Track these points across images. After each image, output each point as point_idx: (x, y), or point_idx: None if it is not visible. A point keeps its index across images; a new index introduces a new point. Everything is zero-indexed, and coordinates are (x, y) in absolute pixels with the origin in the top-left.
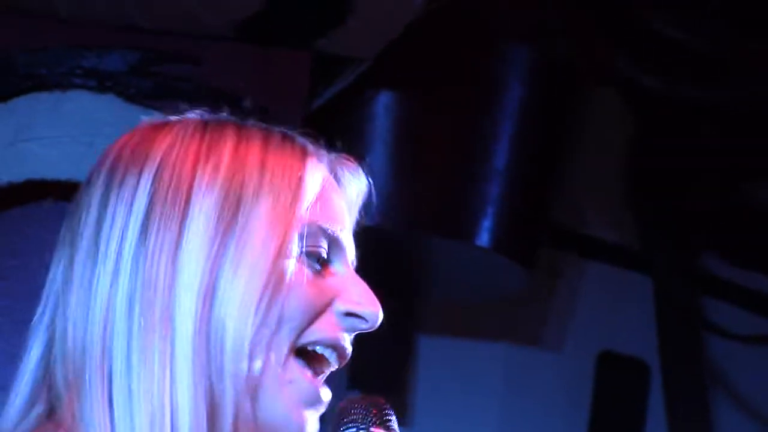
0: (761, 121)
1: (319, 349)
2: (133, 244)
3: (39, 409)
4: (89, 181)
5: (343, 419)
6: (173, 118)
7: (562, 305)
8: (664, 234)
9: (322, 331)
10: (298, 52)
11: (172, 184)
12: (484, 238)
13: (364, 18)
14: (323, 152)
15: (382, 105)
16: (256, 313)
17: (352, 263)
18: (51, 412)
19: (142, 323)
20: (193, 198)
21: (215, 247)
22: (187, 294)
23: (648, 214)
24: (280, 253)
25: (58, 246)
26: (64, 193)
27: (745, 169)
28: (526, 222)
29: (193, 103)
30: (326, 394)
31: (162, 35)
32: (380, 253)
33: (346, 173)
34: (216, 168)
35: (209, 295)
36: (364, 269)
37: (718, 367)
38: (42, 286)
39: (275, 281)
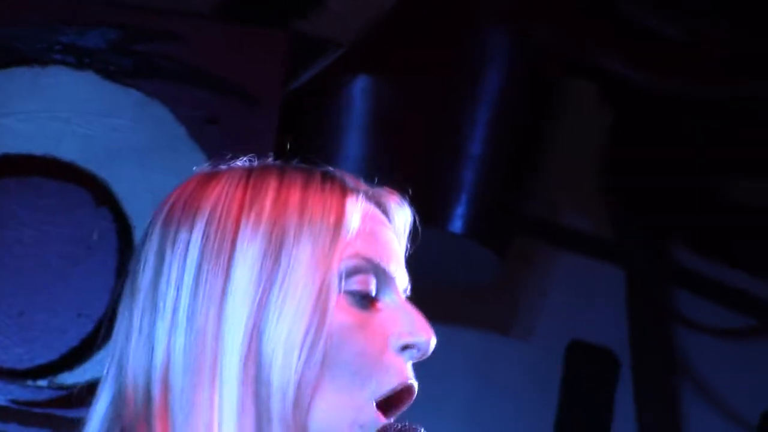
0: (736, 115)
1: (388, 390)
2: (187, 300)
3: None
4: (147, 233)
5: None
6: (223, 167)
7: (533, 294)
8: (637, 226)
9: (390, 378)
10: (276, 31)
11: (218, 237)
12: (457, 225)
13: (344, 1)
14: (364, 186)
15: (359, 89)
16: (300, 356)
17: (405, 292)
18: None
19: (195, 374)
20: (238, 247)
21: (259, 294)
22: (232, 341)
23: (621, 206)
24: (320, 296)
25: (121, 300)
26: (39, 169)
27: (720, 163)
28: (499, 210)
29: (172, 80)
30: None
31: (142, 13)
32: None
33: (390, 204)
34: (258, 216)
35: (254, 340)
36: None
37: (688, 359)
38: (13, 258)
39: (318, 323)
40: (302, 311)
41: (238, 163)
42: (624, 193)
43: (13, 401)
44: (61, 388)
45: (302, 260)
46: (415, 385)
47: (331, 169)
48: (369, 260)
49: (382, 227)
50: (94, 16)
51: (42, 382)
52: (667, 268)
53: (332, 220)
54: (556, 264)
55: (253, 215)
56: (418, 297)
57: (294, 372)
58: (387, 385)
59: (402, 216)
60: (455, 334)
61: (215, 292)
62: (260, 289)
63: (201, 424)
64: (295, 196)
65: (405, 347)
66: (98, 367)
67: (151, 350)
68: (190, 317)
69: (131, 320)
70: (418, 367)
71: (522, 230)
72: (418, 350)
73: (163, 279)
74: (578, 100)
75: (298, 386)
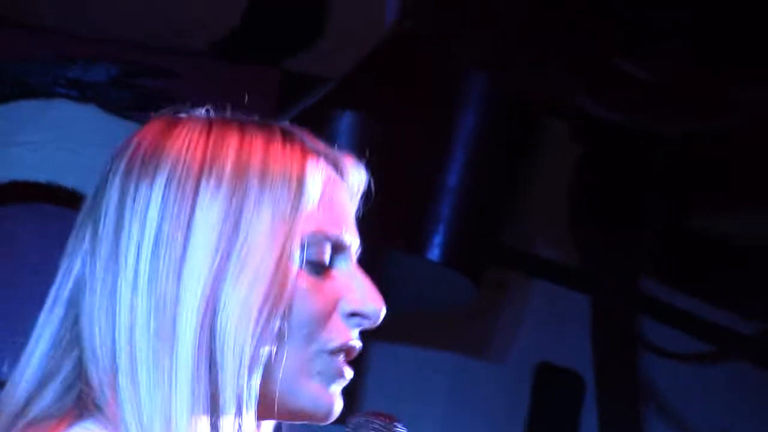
0: (701, 154)
1: (334, 355)
2: (148, 260)
3: (54, 390)
4: (107, 180)
5: (358, 426)
6: (183, 115)
7: (506, 319)
8: (605, 256)
9: (333, 338)
10: (268, 69)
11: (178, 197)
12: (435, 253)
13: (333, 40)
14: (322, 147)
15: (346, 124)
16: (256, 326)
17: (356, 253)
18: (82, 405)
19: (157, 338)
20: (197, 211)
21: (217, 261)
22: (188, 309)
23: (590, 237)
24: (279, 266)
25: (73, 241)
26: (44, 196)
27: (684, 199)
28: (475, 239)
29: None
30: (349, 372)
31: (142, 50)
32: None
33: (347, 166)
34: (219, 177)
35: (210, 309)
36: None
37: (651, 383)
38: (20, 279)
39: (276, 294)
40: (260, 282)
41: (198, 111)
42: (592, 225)
43: None
44: None
45: (262, 229)
46: (358, 346)
47: (290, 126)
48: (328, 235)
49: (340, 192)
50: (97, 52)
51: None
52: (632, 296)
53: (294, 186)
54: (529, 291)
55: (213, 175)
56: (398, 320)
57: (249, 341)
58: (331, 343)
59: (357, 177)
60: (433, 357)
61: (174, 256)
62: (218, 256)
63: (163, 389)
64: (256, 156)
65: (353, 314)
66: None
67: (114, 310)
68: (151, 279)
69: (93, 272)
70: (399, 387)
71: (497, 259)
72: (368, 319)
73: (124, 234)
74: (551, 138)
75: (252, 355)
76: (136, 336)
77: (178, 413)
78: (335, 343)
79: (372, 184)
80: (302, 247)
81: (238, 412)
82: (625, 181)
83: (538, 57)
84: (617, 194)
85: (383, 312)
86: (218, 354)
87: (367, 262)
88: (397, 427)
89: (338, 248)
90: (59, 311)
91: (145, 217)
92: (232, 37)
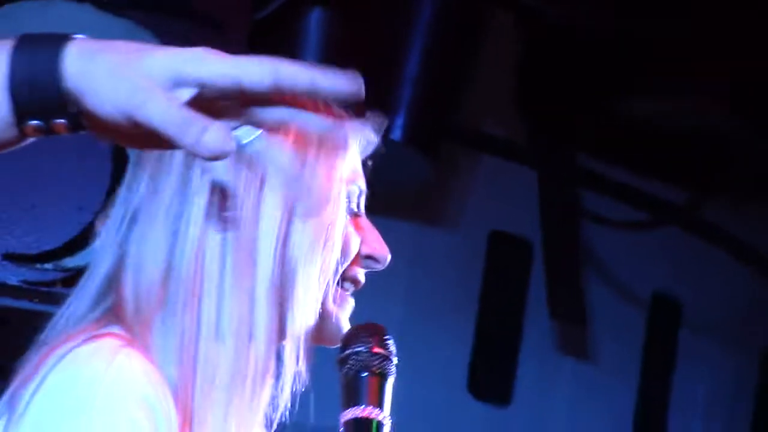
0: (632, 47)
1: (346, 284)
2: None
3: (104, 306)
4: None
5: (350, 342)
6: None
7: (461, 192)
8: (549, 135)
9: (351, 271)
10: None
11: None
12: (397, 134)
13: None
14: (344, 111)
15: (314, 20)
16: (320, 257)
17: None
18: (110, 312)
19: (232, 260)
20: (271, 156)
21: (289, 201)
22: (266, 241)
23: (535, 118)
24: (334, 210)
25: (134, 170)
26: None
27: (617, 85)
28: (431, 121)
29: (156, 12)
30: (352, 301)
31: None
32: None
33: (366, 134)
34: (286, 132)
35: (283, 242)
36: None
37: (591, 248)
38: (27, 160)
39: (331, 232)
40: (322, 223)
41: None
42: (537, 106)
43: (24, 281)
44: (63, 270)
45: (321, 180)
46: (363, 281)
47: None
48: (361, 189)
49: (358, 155)
50: None
51: (48, 266)
52: (574, 170)
53: (341, 145)
54: (480, 166)
55: (281, 130)
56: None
57: (316, 269)
58: (346, 273)
59: (372, 141)
60: (393, 225)
61: (252, 196)
62: (290, 197)
63: (242, 305)
64: (314, 120)
65: (368, 257)
66: None
67: (181, 231)
68: (223, 214)
69: (157, 198)
70: None
71: (450, 138)
72: (378, 262)
73: (194, 172)
74: (498, 27)
75: (317, 280)
76: (206, 257)
77: (259, 316)
78: (351, 273)
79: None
80: (348, 197)
81: (301, 326)
82: (565, 68)
83: None
84: (559, 80)
85: (389, 259)
86: (289, 278)
87: None
88: (387, 339)
89: (360, 198)
90: (118, 235)
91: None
92: None
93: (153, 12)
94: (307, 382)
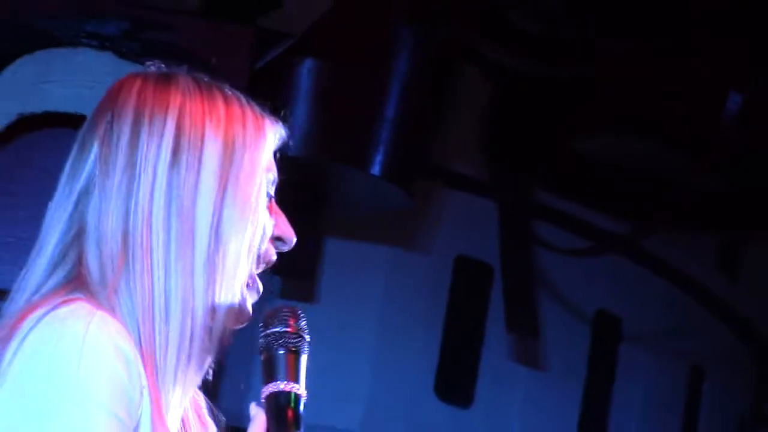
0: (580, 91)
1: (260, 263)
2: (166, 168)
3: (60, 274)
4: (117, 106)
5: (270, 323)
6: (166, 70)
7: (432, 221)
8: (508, 172)
9: (266, 250)
10: (245, 26)
11: (192, 129)
12: (376, 169)
13: (294, 2)
14: (263, 110)
15: (306, 68)
16: (245, 235)
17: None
18: (73, 281)
19: (176, 229)
20: (206, 143)
21: (222, 183)
22: (203, 216)
23: (496, 157)
24: (258, 193)
25: (78, 152)
26: (72, 123)
27: (566, 128)
28: (407, 158)
29: (169, 61)
30: (261, 285)
31: (146, 9)
32: (300, 177)
33: (278, 129)
34: (218, 123)
35: (217, 219)
36: (289, 189)
37: (544, 272)
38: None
39: (255, 211)
40: (249, 203)
41: (178, 70)
42: (498, 147)
43: None
44: None
45: (247, 165)
46: (274, 258)
47: (244, 95)
48: (275, 174)
49: (273, 145)
50: (111, 11)
51: None
52: (529, 203)
53: (261, 137)
54: (448, 198)
55: (214, 120)
56: (346, 221)
57: (245, 244)
58: (268, 256)
59: (283, 136)
60: (372, 249)
61: (192, 174)
62: (223, 181)
63: (184, 273)
64: (238, 114)
65: (277, 238)
66: None
67: (128, 207)
68: (169, 185)
69: (107, 174)
70: (349, 273)
71: (423, 173)
72: (286, 244)
73: (141, 149)
74: (466, 78)
75: (246, 251)
76: (156, 228)
77: (197, 288)
78: (266, 253)
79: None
80: (267, 182)
81: (236, 293)
82: (523, 114)
83: (454, 15)
84: (517, 123)
85: (294, 240)
86: (221, 250)
87: (325, 176)
88: (301, 317)
89: (275, 185)
90: (69, 209)
91: (161, 140)
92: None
93: (163, 59)
94: (223, 361)
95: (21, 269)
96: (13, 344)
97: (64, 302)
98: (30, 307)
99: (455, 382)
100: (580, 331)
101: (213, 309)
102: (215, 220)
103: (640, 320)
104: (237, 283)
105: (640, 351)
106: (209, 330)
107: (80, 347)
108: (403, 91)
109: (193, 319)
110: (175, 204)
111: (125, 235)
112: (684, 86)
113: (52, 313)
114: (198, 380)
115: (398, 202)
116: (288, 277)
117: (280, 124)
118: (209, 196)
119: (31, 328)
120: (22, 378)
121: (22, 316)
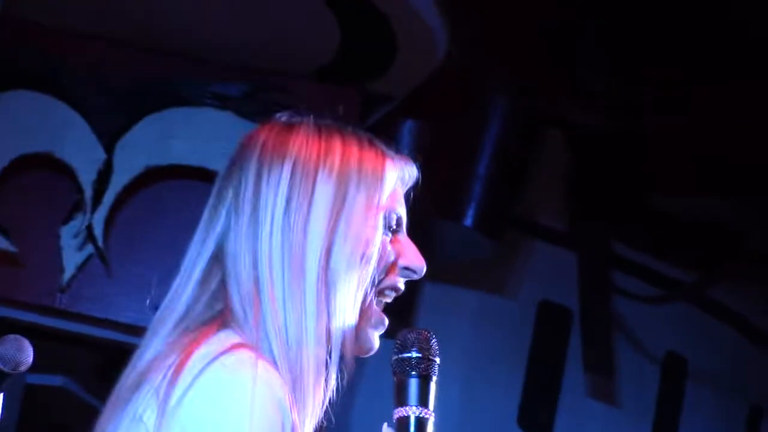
0: (655, 148)
1: (387, 291)
2: (281, 215)
3: (215, 307)
4: (243, 160)
5: (403, 348)
6: (295, 119)
7: (518, 268)
8: (588, 225)
9: (390, 280)
10: (354, 90)
11: (304, 176)
12: (469, 221)
13: (400, 69)
14: (392, 151)
15: (407, 129)
16: (358, 268)
17: (406, 228)
18: (220, 316)
19: (289, 268)
20: (317, 187)
21: (331, 223)
22: (312, 254)
23: (578, 212)
24: (372, 229)
25: (215, 201)
26: (195, 175)
27: (645, 185)
28: (496, 211)
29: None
30: (386, 320)
31: (265, 73)
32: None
33: (406, 168)
34: (331, 166)
35: (326, 256)
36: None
37: (620, 316)
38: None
39: (368, 248)
40: (360, 240)
41: (293, 118)
42: (579, 203)
43: None
44: None
45: (360, 204)
46: (403, 289)
47: (371, 134)
48: (397, 211)
49: (401, 184)
50: (232, 74)
51: None
52: (607, 254)
53: (378, 178)
54: (534, 248)
55: (327, 165)
56: (442, 267)
57: (354, 281)
58: (385, 283)
59: (412, 177)
60: (462, 293)
61: (301, 217)
62: (332, 220)
63: (296, 304)
64: (354, 156)
65: (406, 268)
66: None
67: (255, 250)
68: (284, 231)
69: (237, 219)
70: (440, 309)
71: (511, 225)
72: (415, 273)
73: (262, 199)
74: (550, 139)
75: (356, 290)
76: (275, 268)
77: (308, 320)
78: (391, 283)
79: (419, 177)
80: (384, 218)
81: (345, 324)
82: (603, 170)
83: (540, 85)
84: (597, 180)
85: (425, 269)
86: (333, 288)
87: (423, 227)
88: (433, 337)
89: (400, 220)
90: (208, 251)
91: (277, 188)
92: (330, 65)
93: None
94: (347, 388)
95: (145, 305)
96: (181, 384)
97: (229, 350)
98: (191, 342)
99: (536, 416)
100: (651, 370)
101: (329, 340)
102: (323, 254)
103: (705, 361)
104: (352, 315)
105: (705, 389)
106: (325, 361)
107: (248, 395)
108: (494, 151)
109: (308, 349)
110: (287, 244)
111: (256, 277)
112: (754, 139)
113: (221, 359)
114: (320, 407)
115: (488, 251)
116: (388, 315)
117: (409, 163)
118: (319, 234)
119: (201, 371)
120: (197, 417)
121: (187, 352)
